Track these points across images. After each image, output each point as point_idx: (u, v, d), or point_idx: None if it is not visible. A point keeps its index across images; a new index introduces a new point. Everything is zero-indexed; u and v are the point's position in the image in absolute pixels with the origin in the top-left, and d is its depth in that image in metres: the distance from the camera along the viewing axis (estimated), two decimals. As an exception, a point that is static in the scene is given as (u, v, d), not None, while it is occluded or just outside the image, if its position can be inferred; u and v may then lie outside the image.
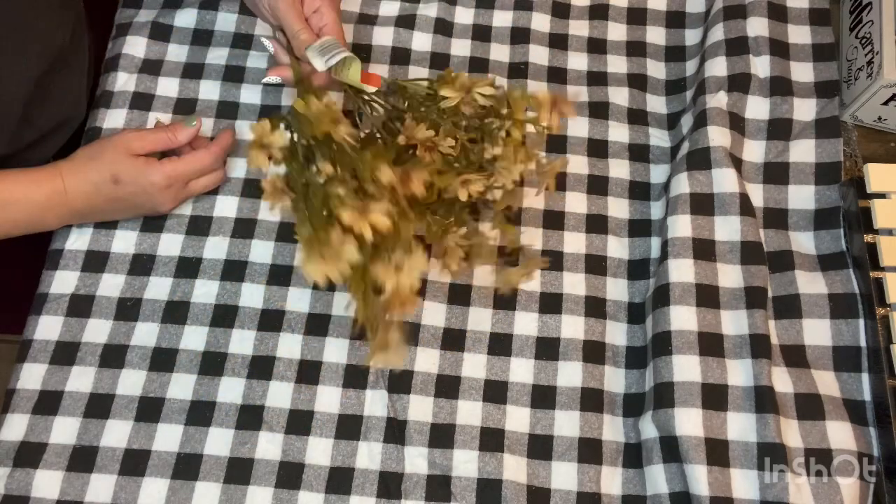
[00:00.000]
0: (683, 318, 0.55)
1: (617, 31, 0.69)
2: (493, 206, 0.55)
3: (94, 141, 0.59)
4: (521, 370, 0.57)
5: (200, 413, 0.55)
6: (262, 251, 0.60)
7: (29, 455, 0.53)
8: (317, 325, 0.58)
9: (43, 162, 0.64)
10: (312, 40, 0.57)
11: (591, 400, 0.56)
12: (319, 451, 0.54)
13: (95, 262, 0.59)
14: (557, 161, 0.55)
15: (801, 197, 0.61)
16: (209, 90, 0.66)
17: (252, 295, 0.59)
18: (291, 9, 0.57)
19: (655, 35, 0.69)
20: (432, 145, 0.49)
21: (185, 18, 0.68)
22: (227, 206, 0.61)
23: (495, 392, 0.56)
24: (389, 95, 0.55)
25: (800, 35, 0.66)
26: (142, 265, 0.59)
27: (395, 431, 0.55)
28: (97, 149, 0.56)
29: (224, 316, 0.58)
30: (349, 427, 0.55)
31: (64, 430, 0.54)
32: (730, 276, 0.57)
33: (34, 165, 0.62)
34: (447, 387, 0.56)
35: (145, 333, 0.57)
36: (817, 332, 0.56)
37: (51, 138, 0.62)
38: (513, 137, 0.51)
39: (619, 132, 0.65)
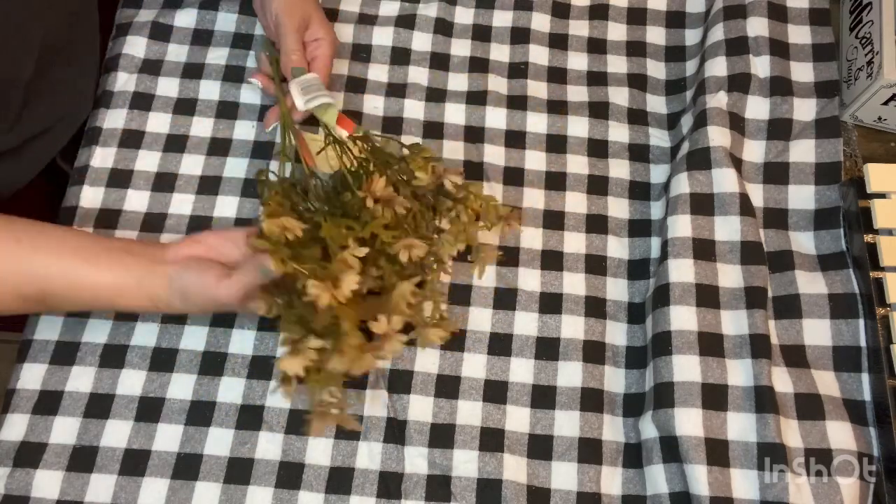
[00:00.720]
0: (683, 318, 0.55)
1: (617, 31, 0.69)
2: (430, 273, 0.54)
3: (184, 278, 0.51)
4: (521, 370, 0.57)
5: (200, 413, 0.55)
6: (262, 251, 0.60)
7: (29, 455, 0.53)
8: (317, 325, 0.58)
9: (50, 156, 0.63)
10: (300, 63, 0.60)
11: (591, 400, 0.56)
12: (319, 450, 0.54)
13: (95, 262, 0.59)
14: (492, 252, 0.56)
15: (801, 197, 0.61)
16: (209, 90, 0.66)
17: (252, 295, 0.59)
18: (293, 32, 0.60)
19: (655, 35, 0.70)
20: (389, 202, 0.50)
21: (185, 18, 0.68)
22: (227, 207, 0.62)
23: (495, 392, 0.56)
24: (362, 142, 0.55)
25: (800, 35, 0.66)
26: (142, 265, 0.59)
27: (395, 431, 0.55)
28: (188, 289, 0.50)
29: (224, 316, 0.58)
30: (349, 427, 0.55)
31: (64, 430, 0.54)
32: (730, 276, 0.57)
33: (41, 159, 0.62)
34: (447, 387, 0.56)
35: (145, 333, 0.57)
36: (817, 332, 0.56)
37: (55, 131, 0.61)
38: (461, 220, 0.54)
39: (619, 132, 0.65)
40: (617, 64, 0.68)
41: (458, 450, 0.54)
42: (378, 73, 0.67)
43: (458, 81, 0.67)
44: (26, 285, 0.49)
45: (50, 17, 0.56)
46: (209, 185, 0.62)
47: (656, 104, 0.67)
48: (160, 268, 0.51)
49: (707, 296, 0.56)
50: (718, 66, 0.63)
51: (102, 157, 0.63)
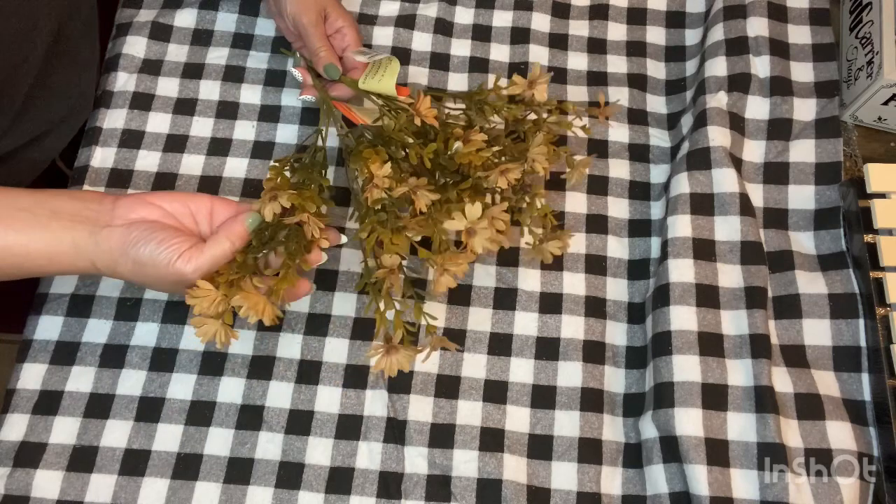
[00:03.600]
0: (683, 318, 0.55)
1: (617, 31, 0.69)
2: (531, 189, 0.56)
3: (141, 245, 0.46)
4: (521, 370, 0.57)
5: (200, 413, 0.55)
6: (262, 251, 0.60)
7: (29, 455, 0.53)
8: (317, 324, 0.58)
9: (51, 158, 0.62)
10: (332, 58, 0.60)
11: (591, 400, 0.56)
12: (319, 451, 0.54)
13: (95, 262, 0.59)
14: (586, 158, 0.59)
15: (801, 197, 0.61)
16: (209, 90, 0.66)
17: (252, 295, 0.58)
18: (315, 28, 0.60)
19: (655, 35, 0.69)
20: (468, 139, 0.53)
21: (185, 18, 0.68)
22: (227, 206, 0.62)
23: (495, 392, 0.56)
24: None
25: (800, 35, 0.66)
26: (142, 265, 0.59)
27: (395, 431, 0.55)
28: (144, 260, 0.46)
29: (224, 316, 0.58)
30: (349, 427, 0.55)
31: (64, 430, 0.54)
32: (730, 276, 0.57)
33: (41, 161, 0.62)
34: (447, 387, 0.56)
35: (145, 333, 0.57)
36: (817, 332, 0.56)
37: (56, 133, 0.61)
38: (549, 129, 0.57)
39: (619, 132, 0.65)
40: (617, 64, 0.68)
41: (458, 450, 0.54)
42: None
43: (458, 81, 0.67)
44: None
45: (52, 19, 0.55)
46: (209, 186, 0.62)
47: (656, 104, 0.67)
48: (107, 231, 0.46)
49: (707, 296, 0.56)
50: (718, 66, 0.63)
51: (102, 157, 0.63)
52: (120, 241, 0.46)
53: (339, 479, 0.53)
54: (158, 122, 0.64)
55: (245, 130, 0.64)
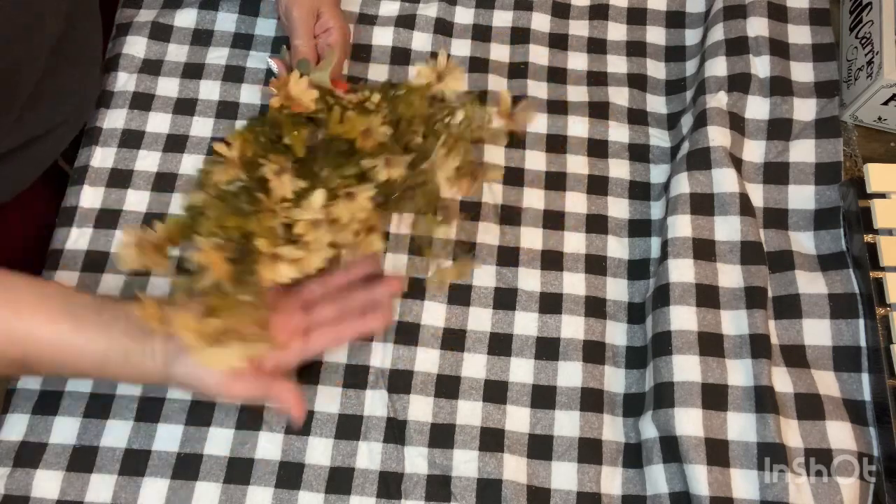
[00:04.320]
0: (683, 318, 0.55)
1: (617, 31, 0.69)
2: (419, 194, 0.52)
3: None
4: (521, 370, 0.57)
5: (200, 413, 0.55)
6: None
7: (29, 455, 0.53)
8: (317, 325, 0.58)
9: (52, 158, 0.63)
10: (310, 54, 0.60)
11: (591, 400, 0.56)
12: (319, 451, 0.54)
13: (96, 262, 0.59)
14: (493, 170, 0.55)
15: (801, 197, 0.61)
16: (209, 90, 0.66)
17: (252, 295, 0.58)
18: (303, 23, 0.60)
19: (655, 35, 0.70)
20: (369, 133, 0.49)
21: (185, 18, 0.68)
22: (227, 206, 0.62)
23: (495, 392, 0.56)
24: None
25: (800, 35, 0.66)
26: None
27: (395, 431, 0.55)
28: (183, 377, 0.48)
29: (224, 316, 0.58)
30: (349, 427, 0.55)
31: (64, 430, 0.54)
32: (730, 276, 0.57)
33: (43, 161, 0.62)
34: (447, 387, 0.56)
35: (145, 333, 0.57)
36: (817, 332, 0.56)
37: (58, 133, 0.61)
38: (454, 131, 0.51)
39: (619, 132, 0.65)
40: (617, 64, 0.68)
41: (458, 450, 0.54)
42: (378, 73, 0.67)
43: (458, 81, 0.67)
44: (10, 348, 0.45)
45: (57, 18, 0.55)
46: (209, 185, 0.62)
47: (656, 104, 0.67)
48: (154, 344, 0.47)
49: (707, 296, 0.56)
50: (718, 66, 0.63)
51: (102, 157, 0.63)
52: (168, 356, 0.47)
53: (339, 479, 0.53)
54: (158, 122, 0.64)
55: (245, 130, 0.64)
